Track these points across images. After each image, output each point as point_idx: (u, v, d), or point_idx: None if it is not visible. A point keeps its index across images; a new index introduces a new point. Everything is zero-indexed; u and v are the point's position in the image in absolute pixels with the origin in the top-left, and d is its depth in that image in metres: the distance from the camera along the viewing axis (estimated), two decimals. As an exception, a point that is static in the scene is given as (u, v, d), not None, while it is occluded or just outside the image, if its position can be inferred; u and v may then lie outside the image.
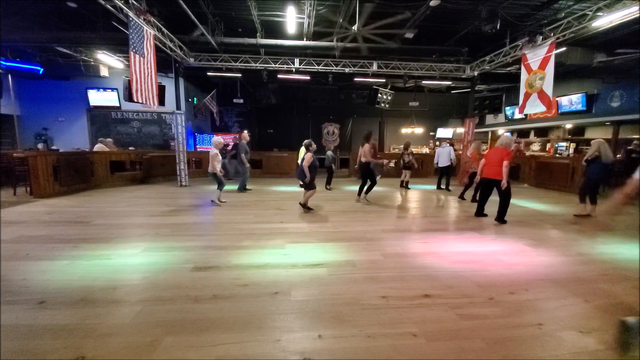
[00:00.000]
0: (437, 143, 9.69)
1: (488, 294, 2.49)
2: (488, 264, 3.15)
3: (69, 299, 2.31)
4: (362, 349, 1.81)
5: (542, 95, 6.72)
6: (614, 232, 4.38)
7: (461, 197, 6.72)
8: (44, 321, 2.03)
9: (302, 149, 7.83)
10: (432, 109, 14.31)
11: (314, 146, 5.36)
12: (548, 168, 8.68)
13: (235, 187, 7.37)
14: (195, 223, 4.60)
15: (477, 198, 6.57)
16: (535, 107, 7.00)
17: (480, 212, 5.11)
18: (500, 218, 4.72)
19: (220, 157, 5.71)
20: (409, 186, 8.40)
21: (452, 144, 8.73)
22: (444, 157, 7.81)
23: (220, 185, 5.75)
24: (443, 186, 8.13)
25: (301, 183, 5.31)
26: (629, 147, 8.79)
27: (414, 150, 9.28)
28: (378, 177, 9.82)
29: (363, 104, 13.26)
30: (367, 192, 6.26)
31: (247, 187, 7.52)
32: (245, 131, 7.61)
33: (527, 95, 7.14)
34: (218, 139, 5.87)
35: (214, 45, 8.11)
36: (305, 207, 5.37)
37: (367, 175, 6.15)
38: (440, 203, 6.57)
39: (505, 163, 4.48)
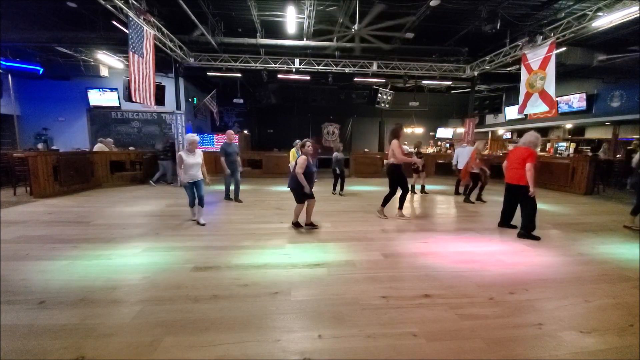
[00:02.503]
0: (461, 142, 8.23)
1: (488, 294, 2.48)
2: (488, 264, 3.15)
3: (69, 299, 2.31)
4: (362, 349, 1.81)
5: (543, 95, 6.72)
6: (613, 232, 4.39)
7: (466, 198, 6.43)
8: (44, 321, 2.03)
9: (293, 150, 6.55)
10: (432, 109, 14.34)
11: (309, 147, 4.16)
12: (548, 168, 8.68)
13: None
14: (195, 223, 4.60)
15: (467, 196, 6.40)
16: (537, 107, 7.00)
17: (505, 223, 4.42)
18: (526, 232, 3.96)
19: (191, 161, 4.29)
20: (415, 189, 7.48)
21: (472, 143, 7.51)
22: (464, 158, 6.81)
23: (189, 201, 4.44)
24: (463, 192, 6.96)
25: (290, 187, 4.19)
26: (628, 147, 8.80)
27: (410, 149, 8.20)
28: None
29: (363, 104, 13.27)
30: (400, 205, 4.87)
31: (231, 195, 6.27)
32: (231, 130, 6.38)
33: (528, 95, 7.14)
34: (189, 135, 4.38)
35: (214, 45, 8.11)
36: (292, 222, 4.33)
37: (396, 181, 4.75)
38: (441, 203, 6.57)
39: (528, 166, 3.80)
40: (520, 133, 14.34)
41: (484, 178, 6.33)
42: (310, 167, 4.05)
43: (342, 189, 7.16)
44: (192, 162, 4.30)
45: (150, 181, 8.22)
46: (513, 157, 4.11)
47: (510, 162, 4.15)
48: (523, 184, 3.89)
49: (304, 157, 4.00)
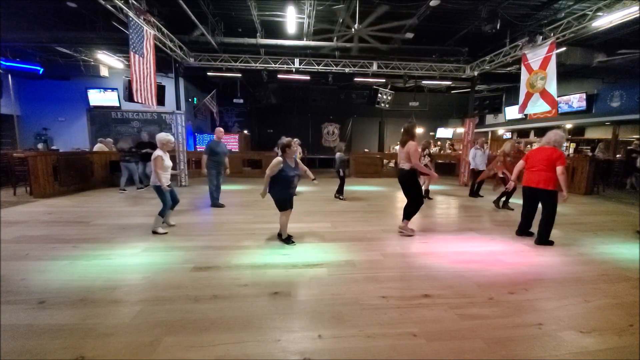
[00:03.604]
0: (479, 143, 7.17)
1: (488, 294, 2.48)
2: (488, 264, 3.15)
3: (69, 299, 2.31)
4: (362, 349, 1.81)
5: (545, 95, 6.70)
6: (613, 232, 4.38)
7: (503, 205, 5.79)
8: (44, 321, 2.03)
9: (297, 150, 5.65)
10: (432, 109, 14.33)
11: (295, 147, 3.54)
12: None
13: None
14: (195, 223, 4.60)
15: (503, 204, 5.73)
16: (538, 107, 6.98)
17: (524, 231, 4.04)
18: (544, 239, 3.72)
19: (168, 163, 3.94)
20: (430, 195, 6.93)
21: (485, 143, 7.12)
22: (481, 158, 6.70)
23: (163, 208, 3.93)
24: (482, 193, 6.88)
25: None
26: (629, 147, 8.81)
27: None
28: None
29: (363, 104, 13.27)
30: (409, 216, 4.07)
31: (221, 202, 5.65)
32: (221, 128, 5.75)
33: (529, 95, 7.13)
34: (164, 134, 3.92)
35: (214, 45, 8.11)
36: (282, 239, 3.69)
37: (410, 190, 4.00)
38: (441, 203, 6.56)
39: (560, 169, 3.47)
40: (521, 133, 14.36)
41: (506, 183, 5.42)
42: (287, 170, 3.42)
43: (341, 192, 6.61)
44: (169, 164, 3.98)
45: (119, 189, 7.17)
46: (537, 158, 3.70)
47: (532, 164, 3.75)
48: (551, 188, 3.57)
49: (279, 158, 3.38)
